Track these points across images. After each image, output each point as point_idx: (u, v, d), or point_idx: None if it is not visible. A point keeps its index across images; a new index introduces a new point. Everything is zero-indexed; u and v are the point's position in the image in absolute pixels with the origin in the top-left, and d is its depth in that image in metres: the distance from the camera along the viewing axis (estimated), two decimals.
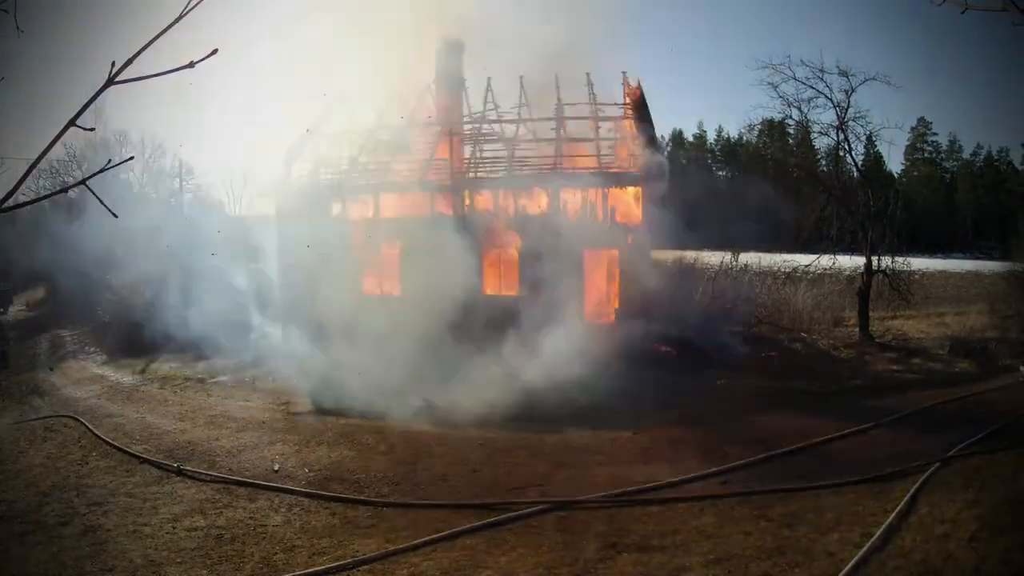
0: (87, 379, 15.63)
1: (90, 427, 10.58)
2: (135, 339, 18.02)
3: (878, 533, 5.25)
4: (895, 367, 12.96)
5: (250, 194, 34.57)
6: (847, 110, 16.18)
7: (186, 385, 13.99)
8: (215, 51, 2.13)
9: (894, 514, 5.56)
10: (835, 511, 5.89)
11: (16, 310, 28.99)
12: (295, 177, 17.33)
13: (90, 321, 22.41)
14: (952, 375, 12.20)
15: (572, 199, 16.36)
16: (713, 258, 21.43)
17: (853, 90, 15.97)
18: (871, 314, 16.12)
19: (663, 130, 68.45)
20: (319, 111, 17.42)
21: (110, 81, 2.10)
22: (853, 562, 4.83)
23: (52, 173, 29.25)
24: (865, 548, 5.02)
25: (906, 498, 5.87)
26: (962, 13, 3.11)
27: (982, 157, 60.12)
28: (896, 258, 16.43)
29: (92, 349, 19.50)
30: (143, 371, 15.59)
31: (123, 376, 15.46)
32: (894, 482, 6.46)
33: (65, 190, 3.16)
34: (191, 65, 2.15)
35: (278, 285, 17.31)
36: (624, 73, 17.28)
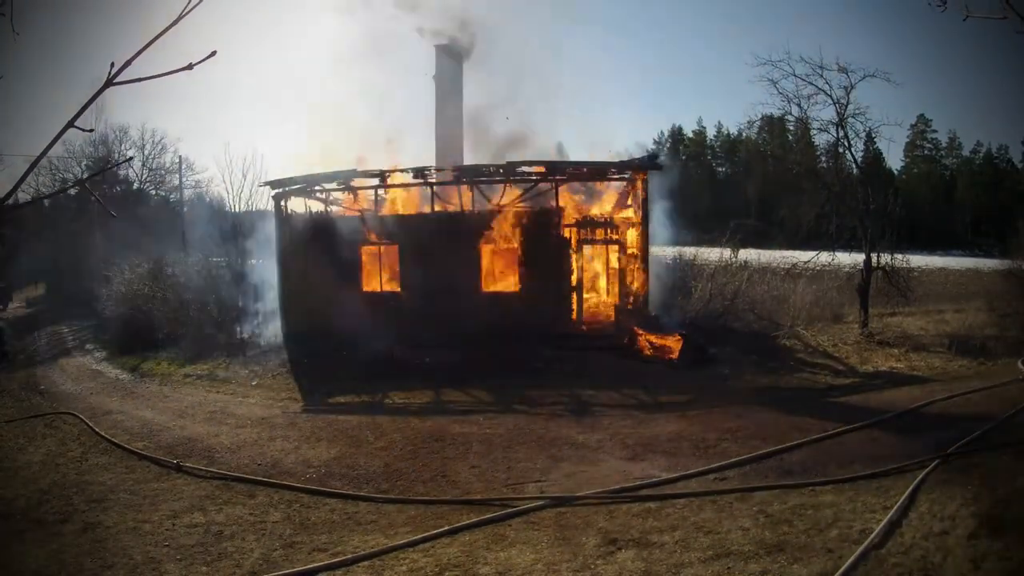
0: (86, 375, 15.63)
1: (89, 424, 10.60)
2: (134, 335, 18.04)
3: (877, 530, 5.26)
4: (895, 364, 12.98)
5: (250, 189, 34.56)
6: (847, 107, 16.19)
7: (185, 381, 13.99)
8: (214, 53, 2.13)
9: (893, 511, 5.56)
10: (834, 507, 5.90)
11: (15, 307, 28.98)
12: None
13: (89, 317, 22.42)
14: (952, 372, 12.22)
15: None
16: (712, 254, 21.45)
17: (853, 87, 15.99)
18: (871, 311, 16.14)
19: (662, 126, 68.58)
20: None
21: (109, 82, 2.09)
22: (852, 559, 4.83)
23: (52, 170, 29.27)
24: (864, 544, 5.02)
25: (905, 495, 5.87)
26: (964, 20, 3.11)
27: (982, 155, 60.18)
28: (895, 255, 16.43)
29: (91, 346, 19.50)
30: (142, 367, 15.59)
31: (122, 372, 15.47)
32: (894, 479, 6.46)
33: (64, 190, 3.17)
34: (190, 67, 2.14)
35: (277, 282, 17.31)
36: None
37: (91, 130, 2.36)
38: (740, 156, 62.60)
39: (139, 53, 2.09)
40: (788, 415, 9.37)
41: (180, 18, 2.02)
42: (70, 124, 2.18)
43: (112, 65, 2.07)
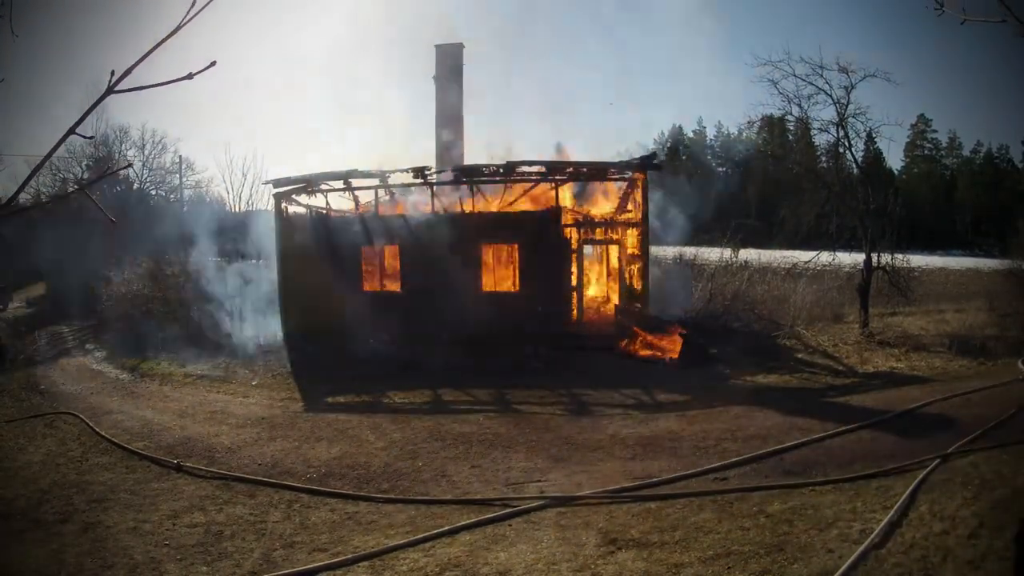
0: (86, 375, 15.63)
1: (90, 424, 10.60)
2: (134, 335, 18.03)
3: (877, 530, 5.26)
4: (895, 364, 12.97)
5: (251, 189, 34.64)
6: (847, 107, 16.18)
7: (185, 381, 13.98)
8: (213, 63, 2.14)
9: (893, 511, 5.56)
10: (834, 507, 5.90)
11: (15, 307, 28.98)
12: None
13: (89, 317, 22.41)
14: (952, 372, 12.22)
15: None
16: (712, 254, 21.46)
17: (853, 87, 15.98)
18: (871, 311, 16.14)
19: (662, 126, 68.62)
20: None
21: (109, 90, 2.10)
22: (852, 559, 4.83)
23: (52, 171, 29.30)
24: (864, 544, 5.02)
25: (905, 495, 5.87)
26: (961, 24, 3.11)
27: (982, 155, 60.17)
28: (895, 255, 16.43)
29: (91, 345, 19.50)
30: (142, 367, 15.59)
31: (122, 372, 15.46)
32: (894, 479, 6.46)
33: (65, 196, 3.20)
34: (189, 76, 2.15)
35: (277, 282, 17.32)
36: None
37: (92, 137, 2.38)
38: (740, 156, 62.58)
39: (139, 62, 2.09)
40: (788, 415, 9.37)
41: (180, 26, 2.02)
42: (71, 131, 2.18)
43: (112, 73, 2.07)
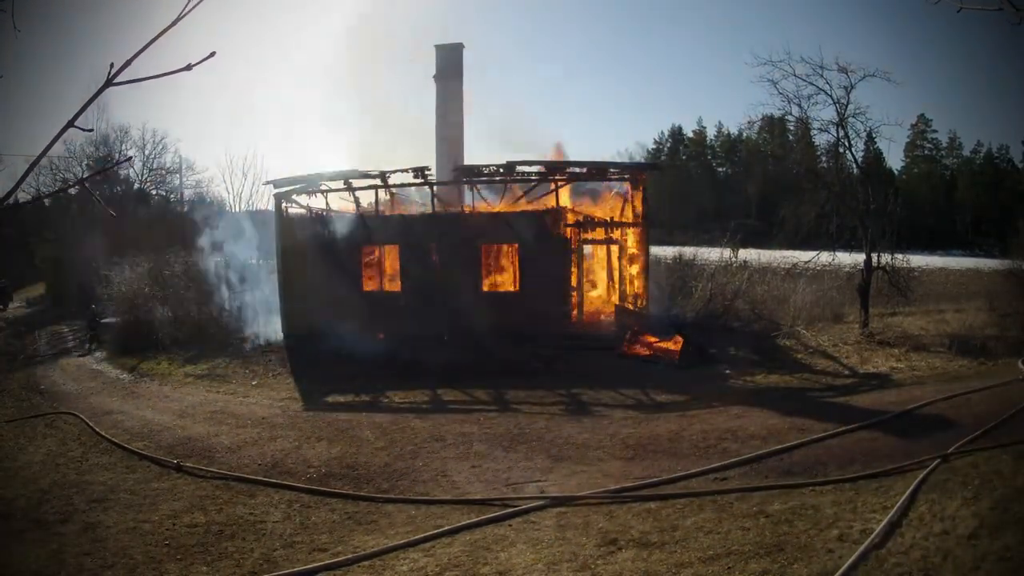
0: (86, 375, 15.63)
1: (90, 424, 10.60)
2: (134, 335, 18.03)
3: (877, 530, 5.26)
4: (895, 364, 12.96)
5: (251, 189, 34.65)
6: (847, 107, 16.13)
7: (185, 381, 13.99)
8: (213, 54, 2.13)
9: (894, 511, 5.56)
10: (834, 508, 5.90)
11: (15, 307, 28.98)
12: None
13: (89, 317, 22.40)
14: (952, 372, 12.20)
15: None
16: (712, 254, 21.45)
17: (853, 87, 15.93)
18: (871, 311, 16.11)
19: (662, 126, 68.63)
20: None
21: (108, 83, 2.09)
22: (852, 559, 4.83)
23: (52, 170, 29.28)
24: (864, 545, 5.02)
25: (905, 495, 5.87)
26: (958, 12, 3.10)
27: (982, 155, 60.10)
28: (895, 255, 16.40)
29: (91, 345, 19.49)
30: (142, 367, 15.59)
31: (122, 372, 15.47)
32: (894, 479, 6.46)
33: (64, 189, 3.18)
34: (189, 68, 2.14)
35: (277, 281, 17.31)
36: None
37: (91, 130, 2.36)
38: (740, 156, 62.63)
39: (139, 53, 2.09)
40: (788, 415, 9.37)
41: (180, 18, 2.01)
42: (70, 124, 2.18)
43: (112, 65, 2.07)
